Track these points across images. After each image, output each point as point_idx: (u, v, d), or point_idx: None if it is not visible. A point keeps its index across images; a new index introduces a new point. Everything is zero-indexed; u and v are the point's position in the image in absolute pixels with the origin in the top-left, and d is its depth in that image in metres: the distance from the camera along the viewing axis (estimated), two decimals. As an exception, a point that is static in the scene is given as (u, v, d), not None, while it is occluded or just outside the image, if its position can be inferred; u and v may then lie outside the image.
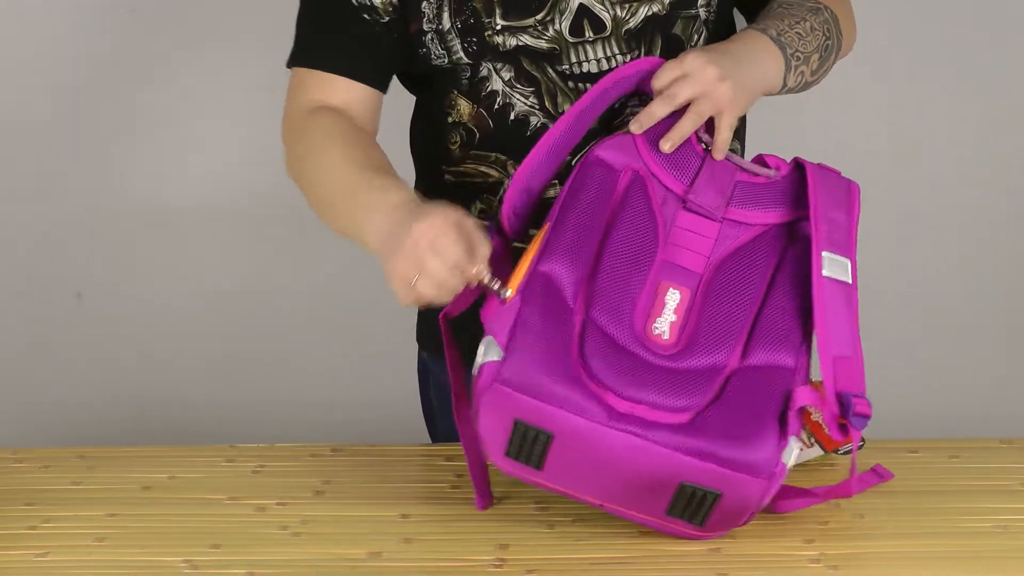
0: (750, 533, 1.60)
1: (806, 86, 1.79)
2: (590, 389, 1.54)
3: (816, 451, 1.75)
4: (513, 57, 1.77)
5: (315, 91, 1.78)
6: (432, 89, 1.83)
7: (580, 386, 1.53)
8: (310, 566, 1.57)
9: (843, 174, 1.69)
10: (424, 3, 1.76)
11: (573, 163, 1.72)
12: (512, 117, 1.79)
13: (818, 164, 1.68)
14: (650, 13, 1.77)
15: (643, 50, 1.77)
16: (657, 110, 1.65)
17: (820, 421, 1.66)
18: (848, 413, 1.55)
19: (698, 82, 1.64)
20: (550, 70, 1.77)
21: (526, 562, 1.56)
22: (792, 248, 1.64)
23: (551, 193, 1.78)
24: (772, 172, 1.67)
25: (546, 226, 1.62)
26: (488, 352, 1.55)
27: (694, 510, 1.55)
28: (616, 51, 1.77)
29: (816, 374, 1.59)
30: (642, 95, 1.71)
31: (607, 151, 1.66)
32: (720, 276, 1.62)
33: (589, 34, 1.77)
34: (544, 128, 1.78)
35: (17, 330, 2.61)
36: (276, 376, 2.64)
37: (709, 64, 1.64)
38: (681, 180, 1.65)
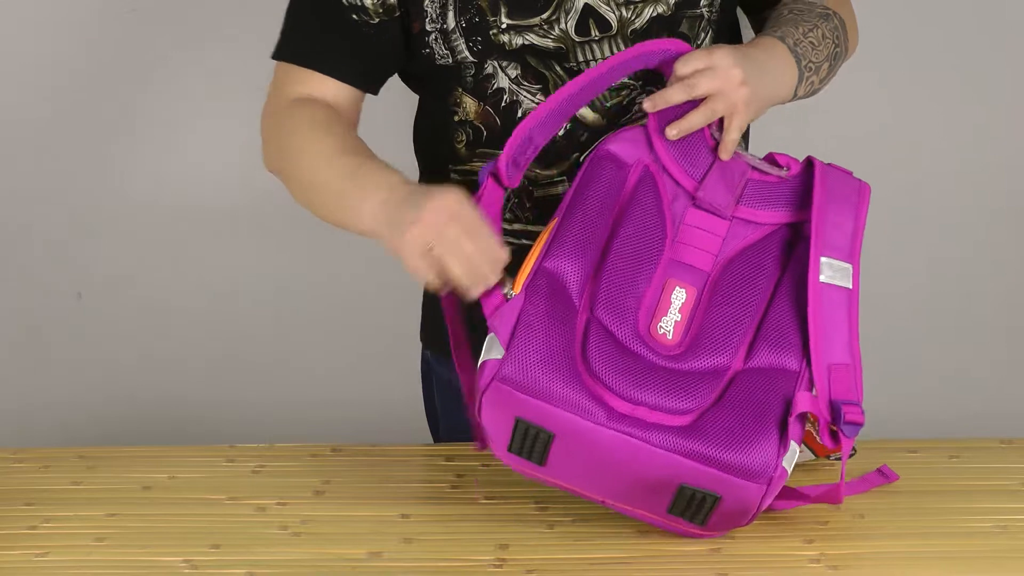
0: (750, 533, 1.60)
1: (812, 94, 1.79)
2: (591, 389, 1.54)
3: (806, 455, 1.75)
4: (519, 56, 1.77)
5: (298, 85, 1.79)
6: (436, 88, 1.82)
7: (581, 386, 1.53)
8: (310, 566, 1.57)
9: (846, 175, 1.68)
10: (427, 2, 1.76)
11: (581, 160, 1.72)
12: (519, 114, 1.78)
13: (828, 164, 1.67)
14: (655, 14, 1.77)
15: None
16: (674, 95, 1.64)
17: (812, 429, 1.66)
18: (839, 421, 1.55)
19: (720, 79, 1.63)
20: (557, 67, 1.77)
21: (526, 562, 1.56)
22: (799, 249, 1.64)
23: (559, 189, 1.78)
24: (783, 171, 1.67)
25: (553, 222, 1.62)
26: (490, 349, 1.55)
27: (694, 511, 1.55)
28: (622, 49, 1.77)
29: None
30: (649, 88, 1.71)
31: (618, 144, 1.66)
32: (727, 276, 1.62)
33: (595, 33, 1.77)
34: None
35: (17, 330, 2.61)
36: (276, 376, 2.64)
37: (735, 66, 1.63)
38: (692, 176, 1.65)
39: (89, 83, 2.52)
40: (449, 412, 1.96)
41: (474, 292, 1.57)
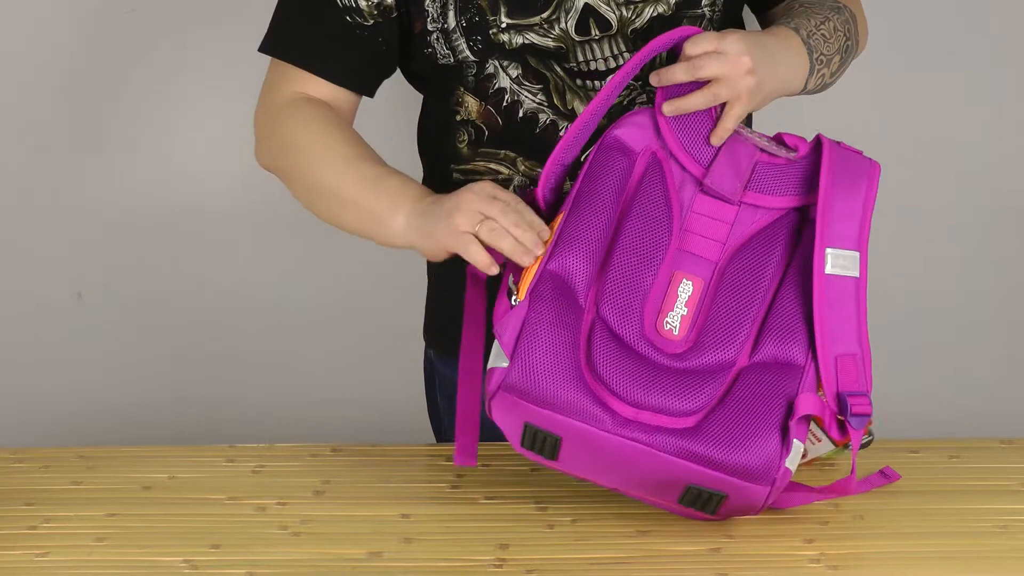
0: (750, 533, 1.60)
1: (824, 87, 1.78)
2: (595, 394, 1.54)
3: (827, 446, 1.73)
4: (520, 55, 1.77)
5: (295, 84, 1.79)
6: (439, 87, 1.82)
7: (585, 391, 1.53)
8: (310, 566, 1.57)
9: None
10: (428, 2, 1.76)
11: (583, 159, 1.72)
12: (521, 114, 1.79)
13: (838, 144, 1.65)
14: (655, 13, 1.77)
15: None
16: (679, 74, 1.63)
17: (816, 424, 1.66)
18: (846, 412, 1.55)
19: (728, 65, 1.62)
20: (557, 68, 1.77)
21: (526, 562, 1.56)
22: (807, 236, 1.62)
23: (565, 188, 1.78)
24: (792, 153, 1.65)
25: (558, 219, 1.62)
26: (497, 356, 1.56)
27: (703, 505, 1.56)
28: (623, 49, 1.77)
29: None
30: (651, 88, 1.71)
31: (625, 129, 1.65)
32: (733, 266, 1.61)
33: (595, 32, 1.76)
34: (554, 125, 1.78)
35: (17, 330, 2.61)
36: (276, 376, 2.64)
37: (745, 53, 1.62)
38: (699, 162, 1.64)
39: (89, 83, 2.52)
40: (453, 412, 1.96)
41: (526, 261, 1.59)
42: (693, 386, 1.55)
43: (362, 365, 2.62)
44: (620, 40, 1.77)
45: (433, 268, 1.95)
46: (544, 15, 1.76)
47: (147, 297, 2.60)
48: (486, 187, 1.63)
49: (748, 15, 1.92)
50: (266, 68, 1.84)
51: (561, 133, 1.77)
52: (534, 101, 1.78)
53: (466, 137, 1.82)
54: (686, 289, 1.60)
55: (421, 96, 1.90)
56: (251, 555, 1.59)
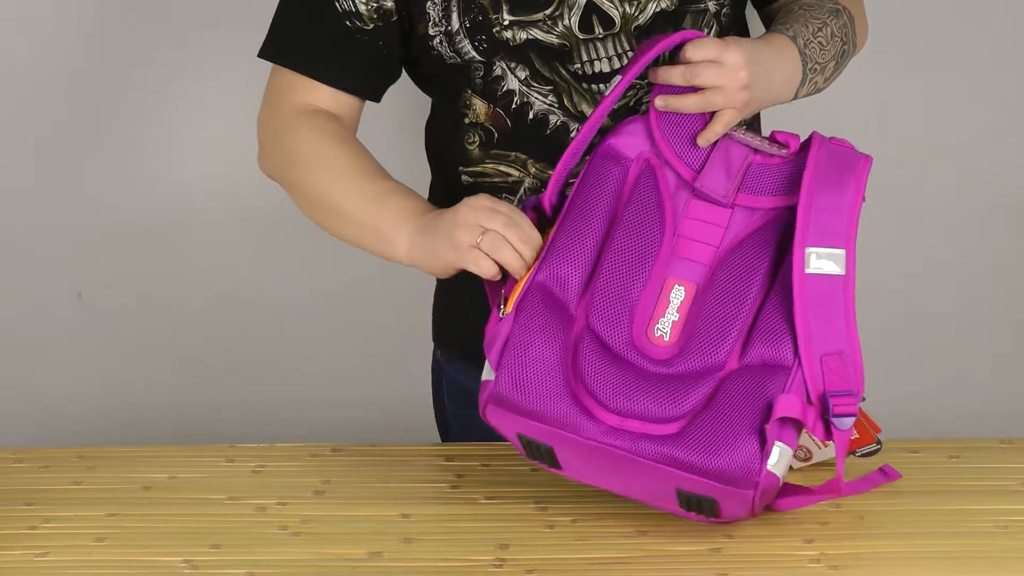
0: (750, 533, 1.60)
1: (816, 92, 1.78)
2: (582, 403, 1.54)
3: (832, 451, 1.73)
4: (525, 54, 1.76)
5: (298, 92, 1.79)
6: (446, 89, 1.82)
7: (570, 401, 1.54)
8: (310, 566, 1.57)
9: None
10: (428, 4, 1.76)
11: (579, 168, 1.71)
12: (531, 116, 1.78)
13: (829, 139, 1.64)
14: (659, 9, 1.77)
15: None
16: (675, 78, 1.64)
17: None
18: (829, 413, 1.54)
19: (724, 77, 1.62)
20: (562, 70, 1.77)
21: (526, 562, 1.56)
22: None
23: (568, 192, 1.78)
24: (783, 150, 1.64)
25: (550, 232, 1.62)
26: (487, 371, 1.56)
27: (699, 509, 1.56)
28: (627, 47, 1.77)
29: None
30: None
31: (619, 137, 1.65)
32: (723, 269, 1.60)
33: (599, 30, 1.76)
34: (565, 127, 1.78)
35: (17, 330, 2.61)
36: (276, 376, 2.64)
37: (743, 68, 1.63)
38: (691, 167, 1.64)
39: (89, 83, 2.51)
40: (460, 414, 1.96)
41: (520, 273, 1.60)
42: (679, 392, 1.55)
43: (362, 365, 2.62)
44: (624, 38, 1.77)
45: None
46: (547, 11, 1.76)
47: (147, 297, 2.60)
48: (483, 200, 1.63)
49: (749, 10, 1.92)
50: (266, 69, 1.84)
51: (572, 135, 1.77)
52: (544, 103, 1.78)
53: (476, 139, 1.82)
54: (678, 294, 1.60)
55: (429, 100, 1.90)
56: (251, 555, 1.59)
